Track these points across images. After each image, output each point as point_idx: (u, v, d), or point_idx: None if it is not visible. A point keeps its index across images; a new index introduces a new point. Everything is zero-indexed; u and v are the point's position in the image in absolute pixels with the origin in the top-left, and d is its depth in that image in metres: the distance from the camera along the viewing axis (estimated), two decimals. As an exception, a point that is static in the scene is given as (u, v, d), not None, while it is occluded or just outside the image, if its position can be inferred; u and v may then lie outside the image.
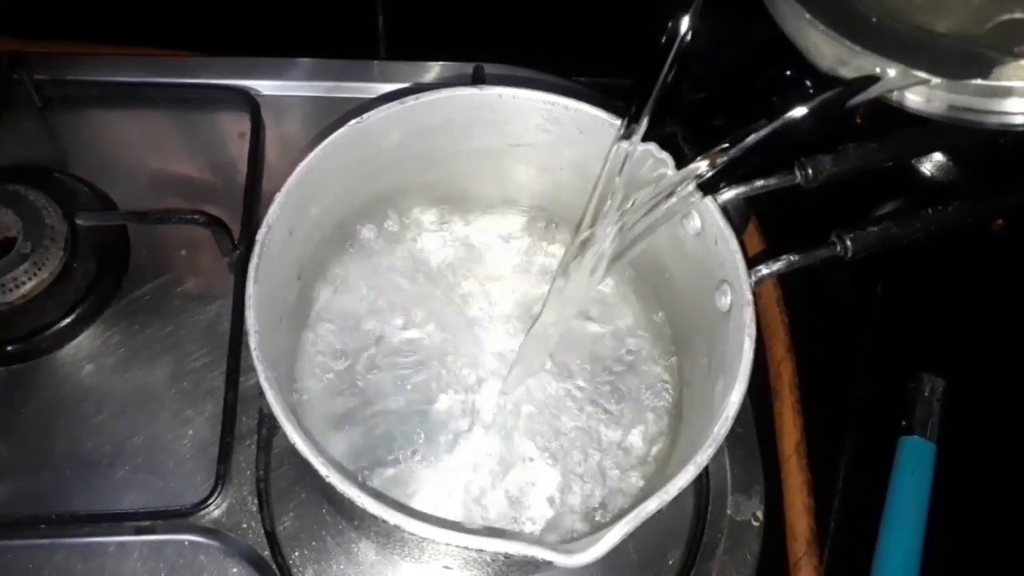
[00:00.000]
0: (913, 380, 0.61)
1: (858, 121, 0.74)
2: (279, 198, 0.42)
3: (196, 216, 0.57)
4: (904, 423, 0.59)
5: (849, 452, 0.60)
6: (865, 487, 0.58)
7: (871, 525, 0.57)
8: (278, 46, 0.68)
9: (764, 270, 0.43)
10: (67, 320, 0.56)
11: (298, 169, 0.43)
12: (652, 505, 0.36)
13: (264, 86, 0.67)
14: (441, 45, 0.69)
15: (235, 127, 0.65)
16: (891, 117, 0.68)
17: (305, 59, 0.68)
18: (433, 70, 0.68)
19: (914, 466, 0.58)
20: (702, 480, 0.55)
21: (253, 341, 0.39)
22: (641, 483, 0.50)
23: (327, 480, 0.36)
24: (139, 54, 0.69)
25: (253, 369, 0.39)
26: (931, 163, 0.67)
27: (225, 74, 0.67)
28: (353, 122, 0.45)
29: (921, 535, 0.56)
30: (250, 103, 0.65)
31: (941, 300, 0.67)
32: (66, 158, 0.63)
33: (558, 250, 0.57)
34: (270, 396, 0.37)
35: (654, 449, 0.51)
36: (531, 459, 0.51)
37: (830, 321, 0.66)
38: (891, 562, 0.55)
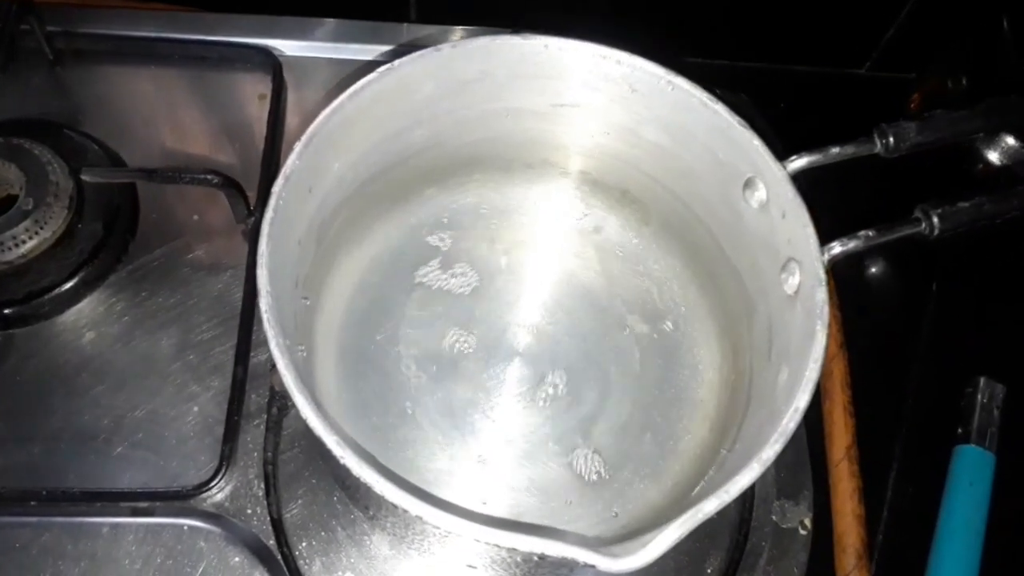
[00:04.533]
0: (970, 385, 0.58)
1: (912, 107, 0.70)
2: (298, 147, 0.39)
3: (209, 176, 0.54)
4: (960, 431, 0.57)
5: (900, 460, 0.57)
6: (916, 498, 0.56)
7: (923, 539, 0.54)
8: (303, 4, 0.66)
9: (838, 247, 0.39)
10: (69, 283, 0.54)
11: (321, 116, 0.40)
12: (710, 506, 0.33)
13: (287, 46, 0.65)
14: (477, 9, 0.66)
15: (255, 88, 0.63)
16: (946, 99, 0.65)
17: (331, 19, 0.66)
18: (466, 36, 0.66)
19: (971, 477, 0.55)
20: (746, 482, 0.51)
21: (264, 303, 0.36)
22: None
23: (342, 462, 0.32)
24: (157, 8, 0.67)
25: (264, 345, 0.36)
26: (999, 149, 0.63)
27: (246, 32, 0.65)
28: (383, 68, 0.41)
29: (978, 552, 0.53)
30: (272, 63, 0.63)
31: (1001, 300, 0.64)
32: (77, 114, 0.61)
33: (600, 216, 0.55)
34: (281, 364, 0.34)
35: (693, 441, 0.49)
36: (557, 437, 0.49)
37: (882, 320, 0.63)
38: (945, 580, 0.52)
